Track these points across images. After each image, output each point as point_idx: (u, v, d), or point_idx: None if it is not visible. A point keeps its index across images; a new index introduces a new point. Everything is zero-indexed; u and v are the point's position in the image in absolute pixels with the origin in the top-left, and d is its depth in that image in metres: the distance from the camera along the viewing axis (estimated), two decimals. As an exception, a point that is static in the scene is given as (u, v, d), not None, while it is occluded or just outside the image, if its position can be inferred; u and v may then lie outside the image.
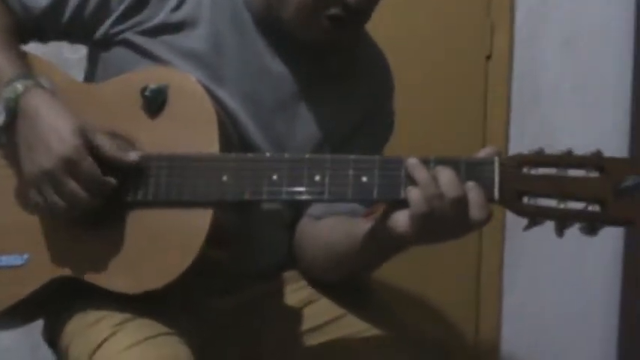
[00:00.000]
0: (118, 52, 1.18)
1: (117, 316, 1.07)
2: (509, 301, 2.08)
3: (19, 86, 1.08)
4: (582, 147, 1.98)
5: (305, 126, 1.21)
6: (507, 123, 2.07)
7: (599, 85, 2.00)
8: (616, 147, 1.91)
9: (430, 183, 0.93)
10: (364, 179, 0.98)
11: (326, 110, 1.21)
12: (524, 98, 2.05)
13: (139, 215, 1.07)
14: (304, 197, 1.01)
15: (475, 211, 0.93)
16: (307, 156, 1.03)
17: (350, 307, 1.21)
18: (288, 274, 1.26)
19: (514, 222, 2.14)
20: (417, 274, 2.03)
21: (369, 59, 1.29)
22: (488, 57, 2.06)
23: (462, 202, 0.93)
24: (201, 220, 1.04)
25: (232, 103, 1.17)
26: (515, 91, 2.05)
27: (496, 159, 0.94)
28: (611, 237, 1.94)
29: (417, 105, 1.96)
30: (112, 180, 1.04)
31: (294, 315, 1.22)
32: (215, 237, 1.05)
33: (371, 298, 1.26)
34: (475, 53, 2.06)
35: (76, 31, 1.21)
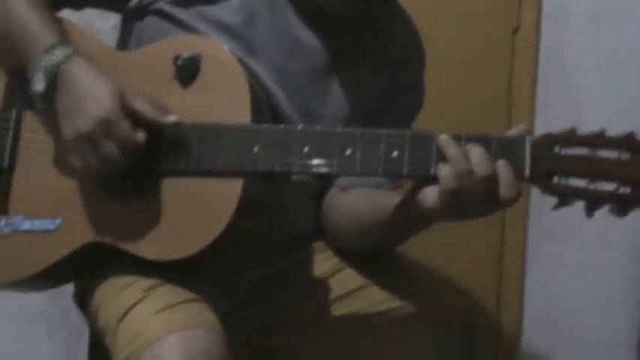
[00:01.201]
0: (152, 22, 1.19)
1: (146, 282, 1.09)
2: (533, 276, 2.08)
3: (59, 54, 1.09)
4: (607, 123, 1.97)
5: (336, 99, 1.21)
6: (533, 98, 2.06)
7: (625, 61, 1.98)
8: (640, 121, 1.90)
9: (461, 160, 0.94)
10: (395, 154, 0.98)
11: (356, 84, 1.22)
12: (551, 73, 2.03)
13: (171, 184, 1.08)
14: (335, 170, 1.02)
15: (505, 189, 0.94)
16: (338, 130, 1.04)
17: (375, 277, 1.22)
18: (315, 245, 1.27)
19: (539, 196, 2.14)
20: (438, 248, 2.03)
21: (402, 34, 1.29)
22: (515, 30, 2.05)
23: (491, 180, 0.93)
24: (231, 190, 1.05)
25: (264, 75, 1.17)
26: (542, 66, 2.04)
27: (527, 137, 0.95)
28: (637, 215, 1.93)
29: (442, 78, 1.94)
30: (142, 136, 1.05)
31: (319, 285, 1.24)
32: (245, 207, 1.06)
33: (397, 267, 1.26)
34: (502, 27, 2.05)
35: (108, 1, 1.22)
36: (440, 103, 1.93)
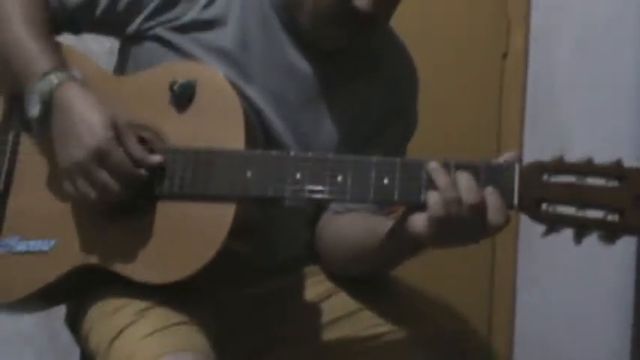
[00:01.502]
0: (149, 47, 1.20)
1: (138, 304, 1.09)
2: (523, 298, 2.08)
3: (54, 79, 1.10)
4: (595, 145, 1.99)
5: (330, 124, 1.22)
6: (522, 121, 2.08)
7: (613, 84, 2.00)
8: (629, 147, 1.92)
9: (449, 188, 0.95)
10: (385, 181, 0.99)
11: (350, 109, 1.23)
12: (539, 97, 2.06)
13: (164, 207, 1.09)
14: (326, 197, 1.02)
15: (493, 216, 0.94)
16: (330, 156, 1.04)
17: (367, 301, 1.22)
18: (308, 268, 1.27)
19: (528, 220, 2.15)
20: (429, 270, 2.03)
21: (395, 61, 1.30)
22: (505, 55, 2.07)
23: (479, 207, 0.94)
24: (224, 213, 1.06)
25: (259, 101, 1.18)
26: (531, 89, 2.06)
27: (516, 165, 0.95)
28: (625, 239, 1.94)
29: (432, 102, 1.96)
30: (143, 172, 1.07)
31: (311, 309, 1.23)
32: (237, 231, 1.06)
33: (389, 290, 1.27)
34: (492, 51, 2.07)
35: (108, 25, 1.23)
36: (429, 126, 1.94)
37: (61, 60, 1.15)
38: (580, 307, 2.04)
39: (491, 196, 0.94)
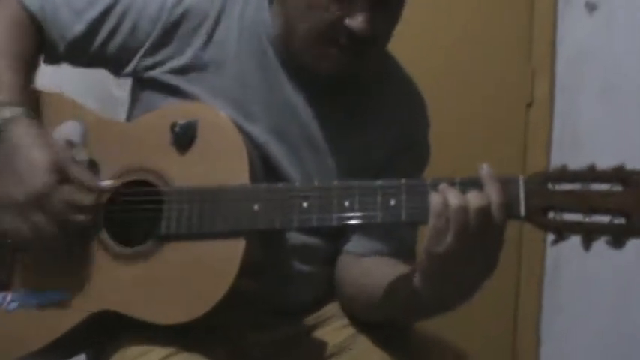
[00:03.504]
0: (151, 91, 1.22)
1: (160, 351, 1.08)
2: (547, 350, 2.05)
3: (7, 112, 1.11)
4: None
5: (333, 162, 1.21)
6: (546, 168, 2.07)
7: (638, 132, 1.99)
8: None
9: (454, 195, 0.93)
10: (392, 202, 0.99)
11: (355, 145, 1.21)
12: (564, 145, 2.05)
13: (173, 247, 1.09)
14: (335, 223, 1.03)
15: (496, 212, 0.92)
16: (336, 183, 1.05)
17: (389, 350, 1.20)
18: (331, 310, 1.26)
19: (553, 270, 2.12)
20: (452, 322, 2.01)
21: (398, 90, 1.29)
22: (529, 104, 2.07)
23: (485, 209, 0.92)
24: (234, 249, 1.06)
25: (262, 139, 1.19)
26: (556, 136, 2.05)
27: (520, 177, 0.95)
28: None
29: (456, 151, 1.97)
30: (83, 217, 1.08)
31: (330, 356, 1.22)
32: (248, 268, 1.07)
33: (412, 342, 1.25)
34: (516, 101, 2.07)
35: (106, 60, 1.24)
36: (454, 175, 1.95)
37: (25, 97, 1.16)
38: (606, 336, 2.00)
39: (494, 194, 0.93)
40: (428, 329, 1.98)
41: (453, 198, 0.93)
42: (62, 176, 1.07)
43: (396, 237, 1.20)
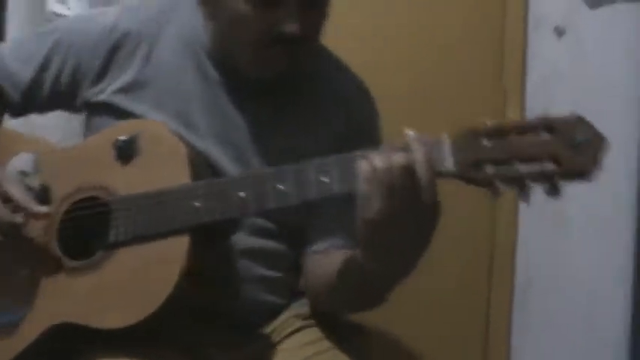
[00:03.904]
0: (100, 116, 1.27)
1: None
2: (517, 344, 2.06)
3: None
4: (592, 212, 1.99)
5: (278, 161, 1.23)
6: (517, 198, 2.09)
7: (611, 149, 2.01)
8: (629, 211, 1.92)
9: (380, 157, 0.94)
10: (325, 179, 1.02)
11: (299, 141, 1.25)
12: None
13: (122, 254, 1.13)
14: (272, 206, 1.06)
15: (421, 169, 0.93)
16: (269, 169, 1.08)
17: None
18: (286, 321, 1.28)
19: (523, 291, 2.14)
20: (424, 340, 2.03)
21: (338, 81, 1.33)
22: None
23: (409, 168, 0.93)
24: (179, 246, 1.10)
25: (206, 146, 1.23)
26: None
27: (445, 135, 0.96)
28: (623, 312, 1.94)
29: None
30: (19, 218, 1.15)
31: None
32: (197, 266, 1.10)
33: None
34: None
35: (60, 99, 1.32)
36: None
37: None
38: (573, 355, 2.01)
39: (418, 151, 0.93)
40: (398, 342, 1.99)
41: (379, 161, 0.94)
42: (3, 197, 1.15)
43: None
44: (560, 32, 2.08)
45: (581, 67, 2.05)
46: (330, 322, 1.29)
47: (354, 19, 2.10)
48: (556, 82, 2.07)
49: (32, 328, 1.16)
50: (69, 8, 2.01)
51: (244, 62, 1.21)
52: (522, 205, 2.09)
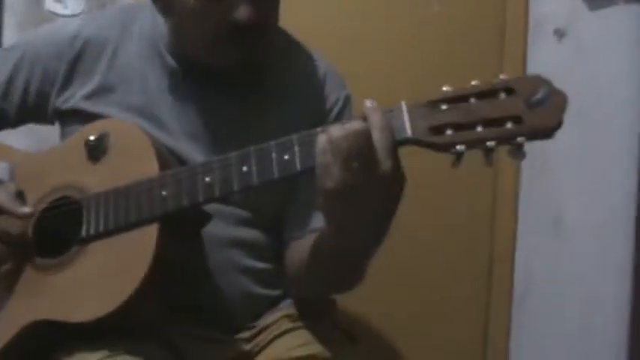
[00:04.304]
0: (72, 124, 1.29)
1: (89, 356, 1.10)
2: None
3: None
4: (590, 218, 1.99)
5: None
6: (516, 193, 2.08)
7: (608, 156, 2.01)
8: (624, 217, 1.91)
9: (337, 127, 0.93)
10: (286, 157, 1.01)
11: (271, 132, 1.23)
12: (534, 170, 2.06)
13: (94, 247, 1.15)
14: (236, 188, 1.06)
15: (377, 133, 0.91)
16: (233, 154, 1.07)
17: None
18: (286, 324, 1.28)
19: (521, 294, 2.13)
20: (423, 340, 2.02)
21: (305, 67, 1.33)
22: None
23: (364, 132, 0.91)
24: (149, 234, 1.10)
25: (181, 145, 1.24)
26: (526, 163, 2.06)
27: (403, 102, 0.94)
28: (618, 312, 1.93)
29: (426, 177, 1.98)
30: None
31: None
32: (175, 265, 1.12)
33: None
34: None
35: (29, 111, 1.34)
36: (424, 187, 1.96)
37: None
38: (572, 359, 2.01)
39: (373, 115, 0.92)
40: (395, 349, 1.99)
41: (335, 131, 0.92)
42: None
43: None
44: (560, 34, 2.07)
45: (581, 69, 2.04)
46: (322, 327, 1.29)
47: (354, 22, 2.10)
48: (557, 83, 2.05)
49: (8, 327, 1.16)
50: (66, 7, 2.01)
51: (204, 55, 1.21)
52: (521, 210, 2.08)
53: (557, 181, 2.04)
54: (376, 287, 1.85)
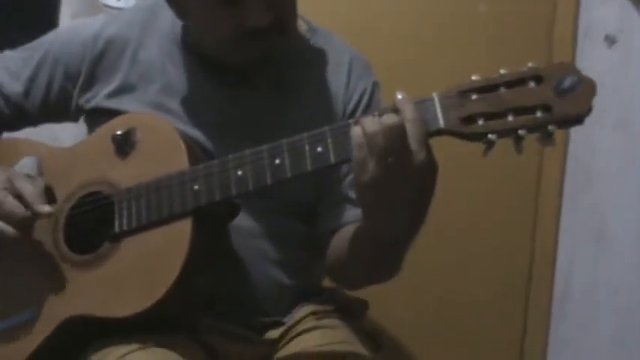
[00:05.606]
0: (97, 122, 1.29)
1: (121, 349, 1.11)
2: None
3: None
4: (632, 229, 1.96)
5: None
6: (560, 202, 2.07)
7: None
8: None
9: (371, 120, 0.94)
10: (319, 149, 1.01)
11: (297, 123, 1.22)
12: (578, 181, 2.04)
13: (128, 243, 1.15)
14: (269, 182, 1.06)
15: (410, 125, 0.92)
16: (264, 146, 1.08)
17: None
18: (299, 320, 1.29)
19: (560, 304, 2.10)
20: (461, 328, 2.02)
21: (330, 60, 1.33)
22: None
23: (400, 129, 0.92)
24: (182, 229, 1.11)
25: (205, 142, 1.25)
26: (569, 173, 2.05)
27: (434, 93, 0.95)
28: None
29: (467, 181, 1.98)
30: (27, 212, 1.16)
31: None
32: (203, 248, 1.11)
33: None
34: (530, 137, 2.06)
35: (51, 110, 1.36)
36: (462, 201, 1.96)
37: None
38: None
39: (406, 110, 0.93)
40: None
41: (369, 125, 0.93)
42: (12, 190, 1.17)
43: None
44: (611, 41, 2.04)
45: (631, 76, 2.01)
46: (350, 326, 1.30)
47: (399, 22, 2.09)
48: (606, 92, 2.02)
49: (45, 325, 1.18)
50: (119, 0, 2.04)
51: (222, 55, 1.23)
52: (563, 217, 2.06)
53: (600, 193, 2.02)
54: (407, 290, 1.86)
